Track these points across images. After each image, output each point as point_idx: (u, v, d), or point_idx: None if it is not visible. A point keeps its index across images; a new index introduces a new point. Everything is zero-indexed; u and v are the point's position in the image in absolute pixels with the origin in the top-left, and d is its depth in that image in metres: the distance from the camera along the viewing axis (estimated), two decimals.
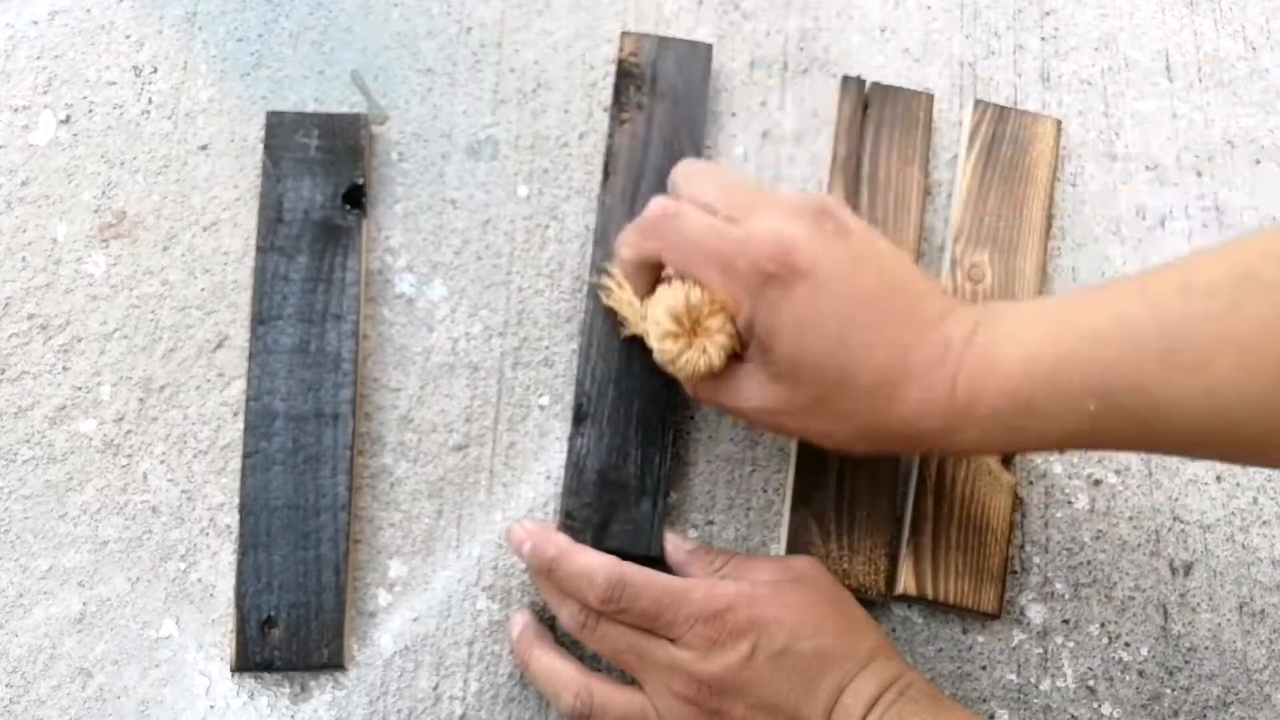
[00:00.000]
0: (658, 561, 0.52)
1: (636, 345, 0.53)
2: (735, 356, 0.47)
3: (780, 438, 0.55)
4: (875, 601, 0.54)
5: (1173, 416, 0.39)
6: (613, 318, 0.54)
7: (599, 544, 0.52)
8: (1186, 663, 0.55)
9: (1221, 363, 0.38)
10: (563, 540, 0.49)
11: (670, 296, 0.47)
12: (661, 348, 0.48)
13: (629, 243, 0.49)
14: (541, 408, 0.55)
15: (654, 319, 0.48)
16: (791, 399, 0.45)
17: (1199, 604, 0.55)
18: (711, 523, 0.55)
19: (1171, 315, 0.39)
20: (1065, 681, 0.54)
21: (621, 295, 0.51)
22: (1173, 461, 0.57)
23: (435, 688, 0.52)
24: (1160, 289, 0.40)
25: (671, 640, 0.46)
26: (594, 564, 0.47)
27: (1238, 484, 0.57)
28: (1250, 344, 0.37)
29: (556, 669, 0.49)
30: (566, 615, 0.48)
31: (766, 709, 0.45)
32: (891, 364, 0.43)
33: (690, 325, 0.47)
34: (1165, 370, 0.39)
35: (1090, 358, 0.40)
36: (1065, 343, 0.41)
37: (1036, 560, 0.55)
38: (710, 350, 0.46)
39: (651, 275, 0.49)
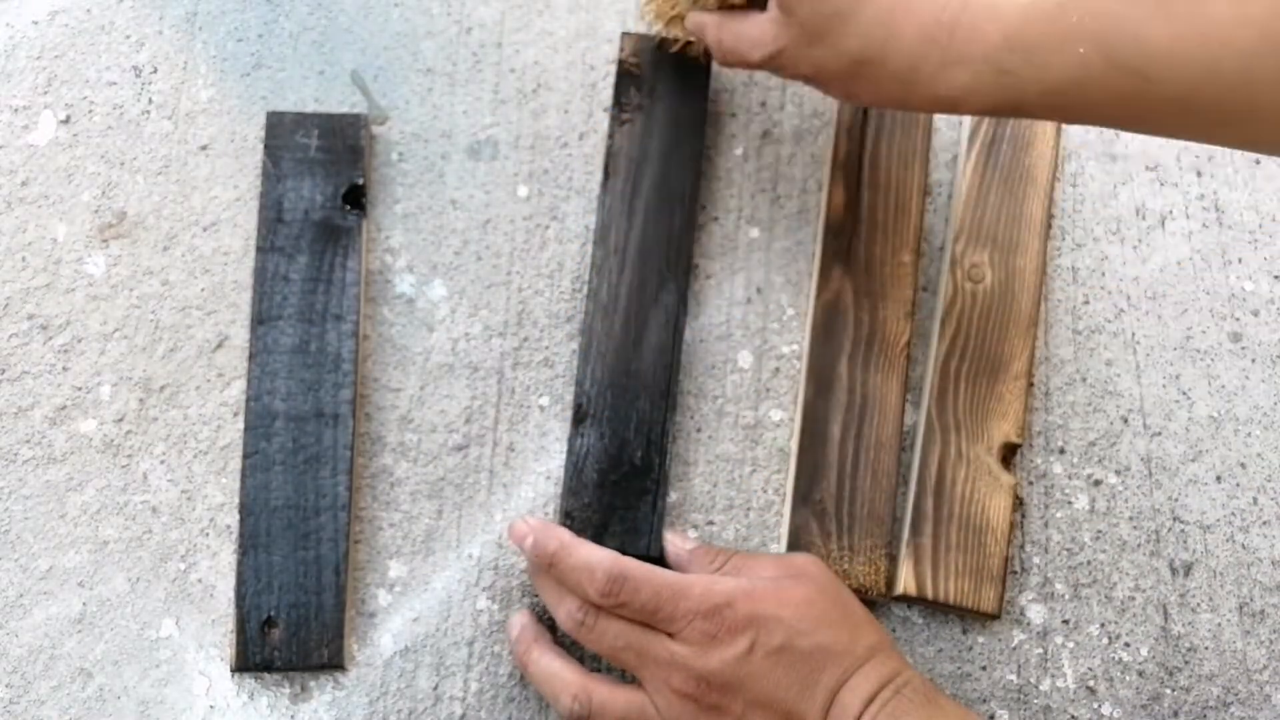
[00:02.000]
0: (658, 561, 0.52)
1: (636, 345, 0.53)
2: (756, 6, 0.51)
3: (795, 80, 0.54)
4: (875, 601, 0.54)
5: (1163, 68, 0.41)
6: (612, 315, 0.54)
7: (599, 544, 0.52)
8: (1186, 663, 0.55)
9: (1215, 7, 0.39)
10: (564, 534, 0.49)
11: None
12: None
13: None
14: (541, 408, 0.55)
15: None
16: (794, 33, 0.47)
17: (1199, 604, 0.55)
18: (711, 523, 0.55)
19: None
20: (1065, 681, 0.54)
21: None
22: (1173, 461, 0.57)
23: (435, 688, 0.52)
24: None
25: (670, 635, 0.46)
26: (595, 557, 0.47)
27: (1238, 484, 0.57)
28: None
29: (555, 670, 0.49)
30: (565, 614, 0.48)
31: (765, 705, 0.45)
32: (894, 3, 0.45)
33: None
34: (1161, 13, 0.40)
35: (1093, 2, 0.42)
36: None
37: (1036, 560, 0.55)
38: None
39: None
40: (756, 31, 0.49)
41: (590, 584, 0.47)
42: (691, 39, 0.56)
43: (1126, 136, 0.62)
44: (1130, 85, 0.42)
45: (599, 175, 0.58)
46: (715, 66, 0.60)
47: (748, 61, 0.50)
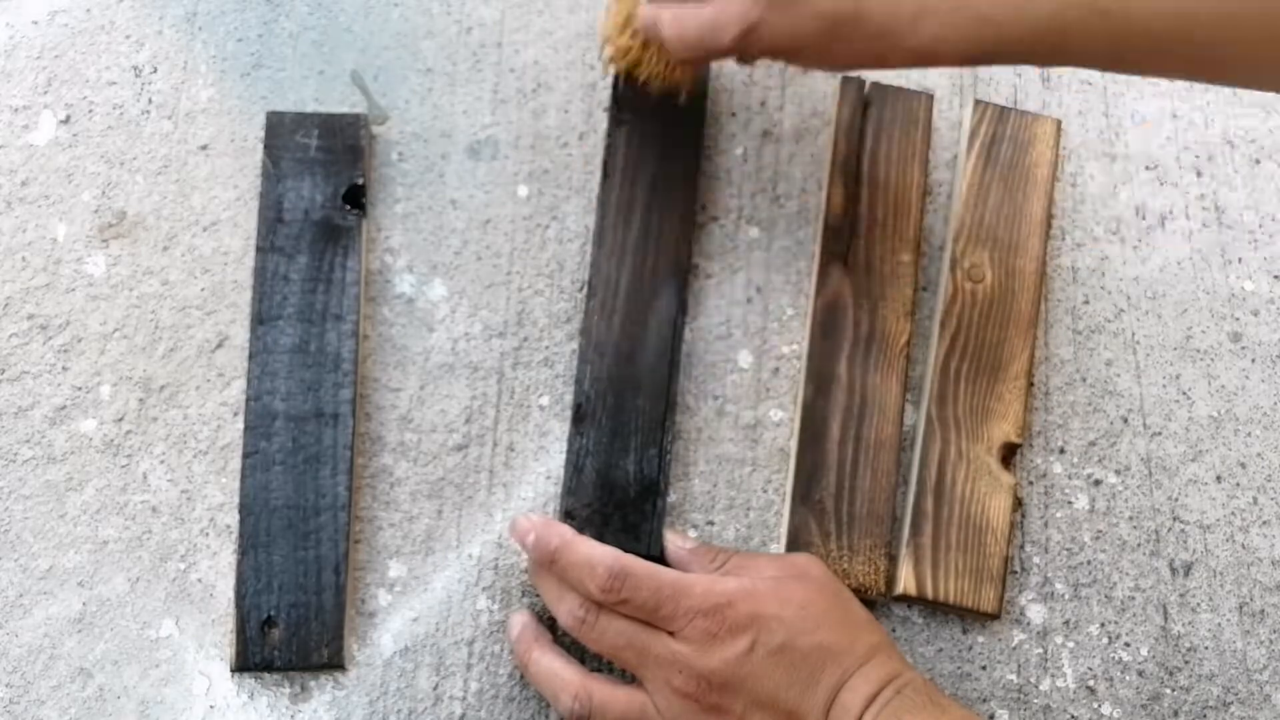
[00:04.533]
0: (658, 561, 0.52)
1: (636, 345, 0.53)
2: None
3: (761, 52, 0.51)
4: (875, 601, 0.54)
5: (1143, 8, 0.42)
6: (612, 315, 0.54)
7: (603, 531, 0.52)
8: (1186, 663, 0.55)
9: None
10: (566, 531, 0.49)
11: None
12: None
13: None
14: (541, 408, 0.55)
15: None
16: (763, 4, 0.46)
17: (1199, 604, 0.55)
18: (711, 523, 0.55)
19: None
20: (1065, 681, 0.54)
21: (614, 11, 0.52)
22: (1173, 461, 0.57)
23: (435, 688, 0.52)
24: None
25: (671, 634, 0.46)
26: (597, 554, 0.47)
27: (1238, 484, 0.57)
28: None
29: (556, 669, 0.49)
30: (565, 611, 0.48)
31: (765, 704, 0.45)
32: None
33: None
34: None
35: None
36: None
37: (1036, 560, 0.55)
38: None
39: None
40: (721, 12, 0.47)
41: (592, 580, 0.47)
42: (650, 76, 0.53)
43: (1126, 136, 0.62)
44: (1110, 26, 0.43)
45: (599, 175, 0.58)
46: (714, 66, 0.60)
47: (717, 47, 0.47)
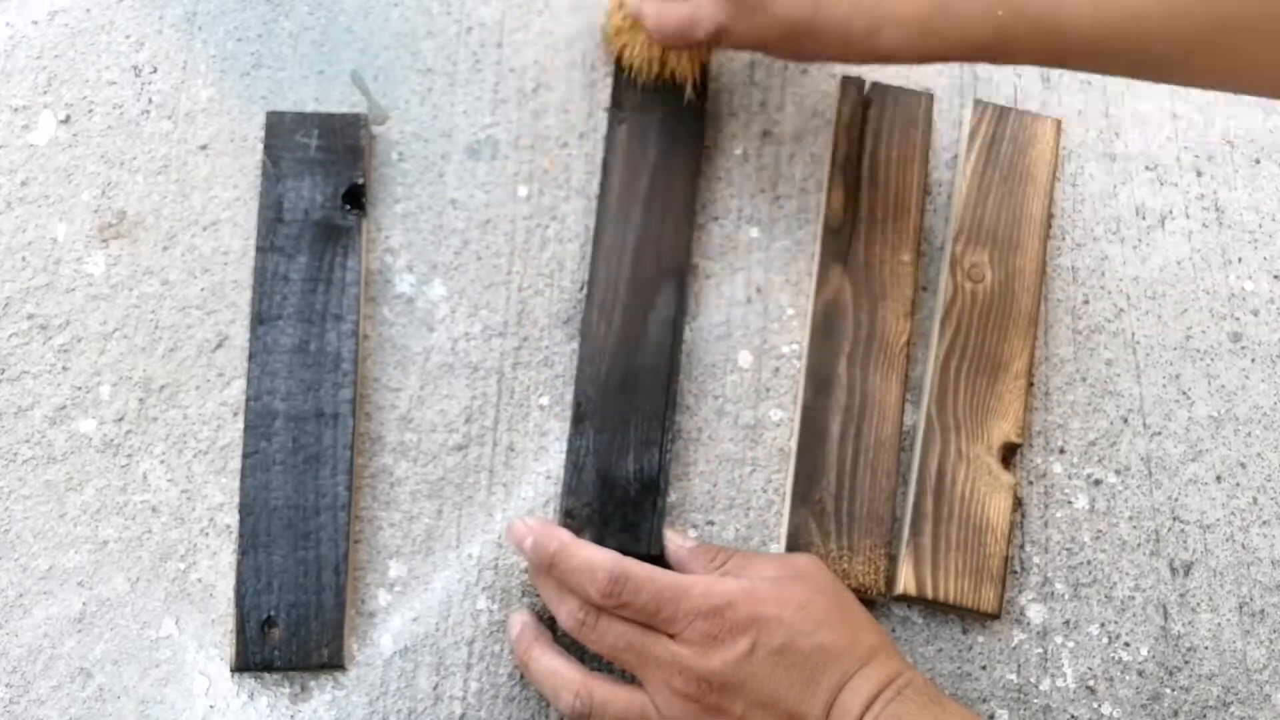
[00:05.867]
0: (658, 560, 0.52)
1: (636, 345, 0.53)
2: None
3: (733, 47, 0.56)
4: (875, 601, 0.54)
5: (1073, 24, 0.46)
6: (612, 315, 0.54)
7: (599, 543, 0.52)
8: (1186, 663, 0.55)
9: None
10: (564, 535, 0.49)
11: None
12: None
13: None
14: (541, 408, 0.55)
15: None
16: (737, 8, 0.51)
17: (1199, 604, 0.55)
18: (711, 523, 0.55)
19: None
20: (1065, 681, 0.54)
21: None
22: (1173, 461, 0.57)
23: (435, 688, 0.52)
24: None
25: (671, 636, 0.46)
26: (595, 558, 0.47)
27: (1238, 484, 0.57)
28: None
29: (556, 669, 0.49)
30: (565, 614, 0.48)
31: (766, 705, 0.45)
32: None
33: None
34: None
35: None
36: None
37: (1036, 560, 0.55)
38: None
39: None
40: (696, 10, 0.52)
41: (591, 584, 0.47)
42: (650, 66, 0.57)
43: (1126, 136, 0.62)
44: (1046, 40, 0.47)
45: (599, 175, 0.58)
46: (713, 67, 0.60)
47: (692, 40, 0.53)
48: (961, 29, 0.48)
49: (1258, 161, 0.62)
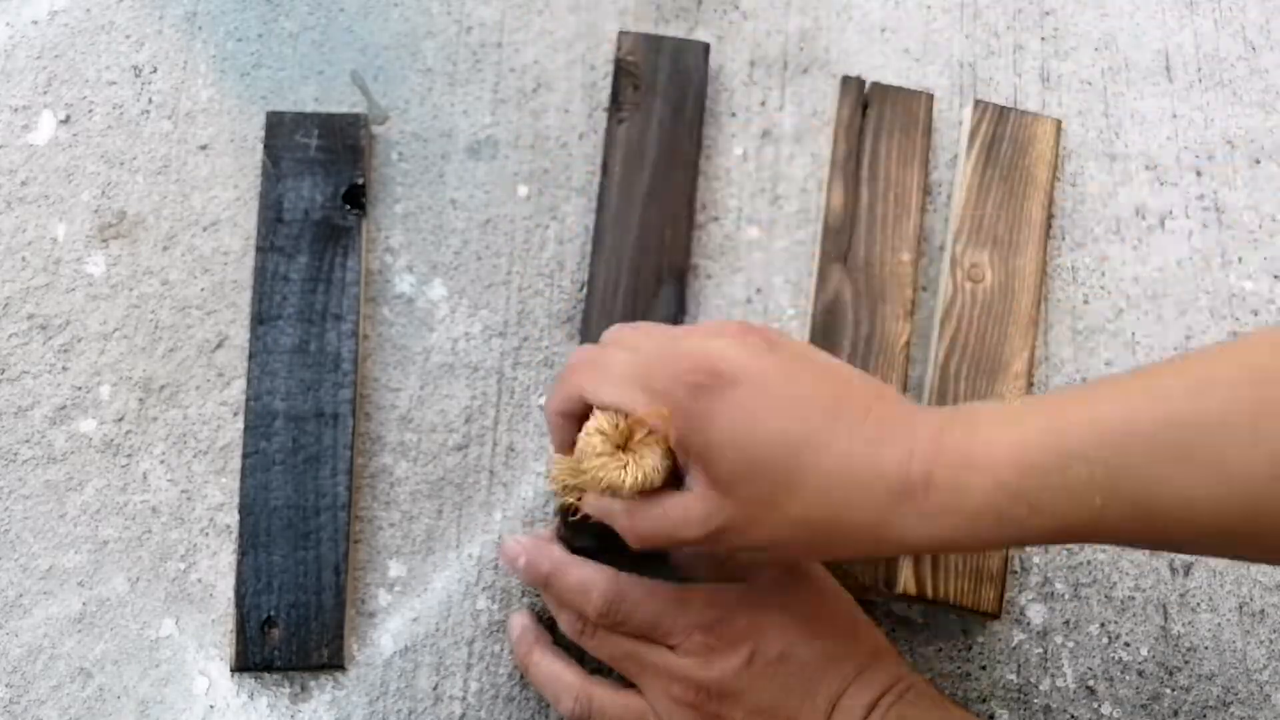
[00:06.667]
0: (660, 557, 0.52)
1: None
2: (673, 486, 0.44)
3: (736, 573, 0.49)
4: (875, 601, 0.54)
5: (1190, 511, 0.38)
6: (612, 314, 0.54)
7: (600, 543, 0.52)
8: (1186, 663, 0.55)
9: (1242, 458, 0.36)
10: (557, 553, 0.49)
11: (597, 419, 0.43)
12: (594, 468, 0.43)
13: (552, 396, 0.46)
14: (541, 408, 0.55)
15: (582, 443, 0.43)
16: (737, 510, 0.41)
17: (1199, 604, 0.55)
18: None
19: (1185, 414, 0.38)
20: (1065, 681, 0.54)
21: (559, 467, 0.46)
22: None
23: (435, 688, 0.52)
24: (1168, 388, 0.39)
25: (670, 648, 0.46)
26: (590, 578, 0.47)
27: None
28: (1274, 437, 0.36)
29: (556, 672, 0.49)
30: (565, 621, 0.48)
31: (765, 713, 0.45)
32: (847, 461, 0.40)
33: (622, 442, 0.43)
34: (1182, 466, 0.37)
35: (1096, 454, 0.38)
36: (1065, 437, 0.39)
37: (1036, 560, 0.55)
38: (645, 462, 0.42)
39: (577, 425, 0.45)
40: (682, 512, 0.42)
41: (587, 605, 0.46)
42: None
43: (1127, 136, 0.62)
44: (1151, 526, 0.39)
45: (599, 175, 0.58)
46: (712, 68, 0.60)
47: (679, 541, 0.43)
48: (1049, 518, 0.39)
49: (1258, 161, 0.62)
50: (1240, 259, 0.60)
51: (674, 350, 0.43)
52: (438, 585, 0.53)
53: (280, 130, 0.56)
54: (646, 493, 0.43)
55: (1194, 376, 0.39)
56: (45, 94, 0.57)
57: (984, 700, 0.53)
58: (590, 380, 0.44)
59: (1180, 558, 0.56)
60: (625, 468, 0.42)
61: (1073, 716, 0.53)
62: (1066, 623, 0.55)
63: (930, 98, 0.59)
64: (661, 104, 0.58)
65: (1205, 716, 0.54)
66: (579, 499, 0.46)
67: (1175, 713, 0.54)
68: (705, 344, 0.43)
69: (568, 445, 0.46)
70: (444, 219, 0.57)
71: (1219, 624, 0.55)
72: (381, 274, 0.56)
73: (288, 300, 0.54)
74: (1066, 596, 0.55)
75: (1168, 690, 0.54)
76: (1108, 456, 0.38)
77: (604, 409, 0.43)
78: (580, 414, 0.45)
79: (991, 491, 0.39)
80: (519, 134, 0.59)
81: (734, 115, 0.60)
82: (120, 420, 0.54)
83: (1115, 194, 0.61)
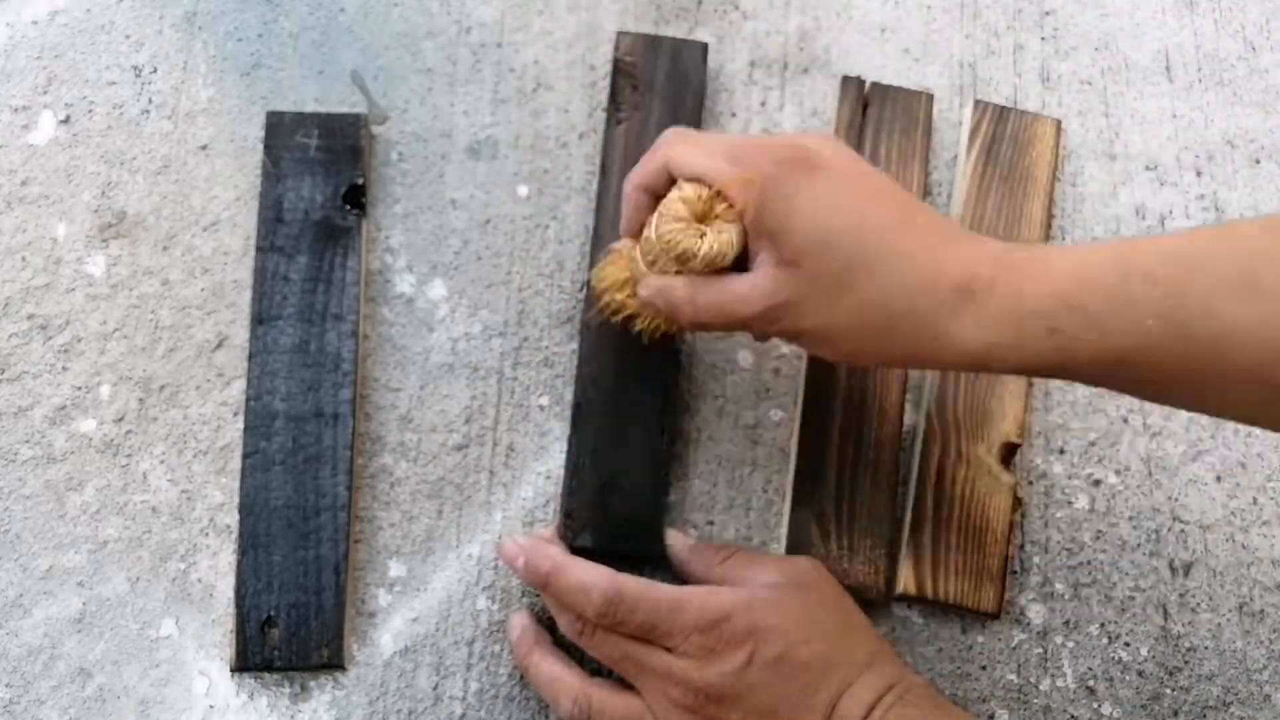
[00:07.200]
0: (659, 560, 0.52)
1: (636, 344, 0.53)
2: (738, 268, 0.45)
3: (784, 341, 0.50)
4: (875, 601, 0.54)
5: (1241, 346, 0.37)
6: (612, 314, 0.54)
7: (599, 543, 0.52)
8: (1186, 663, 0.55)
9: None
10: (556, 554, 0.49)
11: (681, 188, 0.45)
12: (672, 231, 0.45)
13: (636, 170, 0.49)
14: (541, 408, 0.55)
15: (663, 207, 0.46)
16: (802, 286, 0.42)
17: (1199, 604, 0.55)
18: (711, 523, 0.55)
19: (1257, 248, 0.38)
20: (1065, 681, 0.54)
21: (613, 265, 0.50)
22: (1173, 461, 0.57)
23: (435, 688, 0.52)
24: (1240, 227, 0.40)
25: (669, 649, 0.46)
26: (589, 578, 0.47)
27: (1238, 484, 0.57)
28: None
29: (556, 674, 0.49)
30: (564, 622, 0.48)
31: (764, 715, 0.45)
32: (915, 254, 0.41)
33: (701, 216, 0.45)
34: (1243, 296, 0.37)
35: (1160, 272, 0.38)
36: (1129, 255, 0.39)
37: (1036, 560, 0.55)
38: (722, 236, 0.44)
39: (653, 204, 0.47)
40: (745, 288, 0.44)
41: (587, 605, 0.46)
42: (633, 313, 0.50)
43: (1126, 136, 0.62)
44: (1189, 362, 0.38)
45: (599, 175, 0.58)
46: (712, 68, 0.60)
47: (733, 319, 0.45)
48: (1098, 333, 0.39)
49: (1258, 161, 0.62)
50: None
51: (764, 138, 0.46)
52: (438, 585, 0.53)
53: (280, 130, 0.56)
54: (713, 271, 0.45)
55: (1269, 221, 0.40)
56: (45, 94, 0.57)
57: (984, 700, 0.53)
58: (682, 150, 0.46)
59: (1180, 556, 0.56)
60: (702, 236, 0.45)
61: (1073, 716, 0.54)
62: (1066, 623, 0.55)
63: (930, 98, 0.59)
64: (660, 104, 0.58)
65: (1205, 716, 0.54)
66: (630, 295, 0.49)
67: (1175, 713, 0.54)
68: (795, 136, 0.46)
69: (637, 227, 0.48)
70: (444, 219, 0.57)
71: (1219, 624, 0.55)
72: (381, 274, 0.56)
73: (288, 300, 0.54)
74: (1066, 596, 0.55)
75: (1168, 690, 0.54)
76: (1171, 275, 0.38)
77: (691, 180, 0.45)
78: (661, 190, 0.47)
79: (1046, 299, 0.40)
80: (519, 134, 0.59)
81: (734, 115, 0.60)
82: (120, 420, 0.54)
83: (1115, 194, 0.61)
